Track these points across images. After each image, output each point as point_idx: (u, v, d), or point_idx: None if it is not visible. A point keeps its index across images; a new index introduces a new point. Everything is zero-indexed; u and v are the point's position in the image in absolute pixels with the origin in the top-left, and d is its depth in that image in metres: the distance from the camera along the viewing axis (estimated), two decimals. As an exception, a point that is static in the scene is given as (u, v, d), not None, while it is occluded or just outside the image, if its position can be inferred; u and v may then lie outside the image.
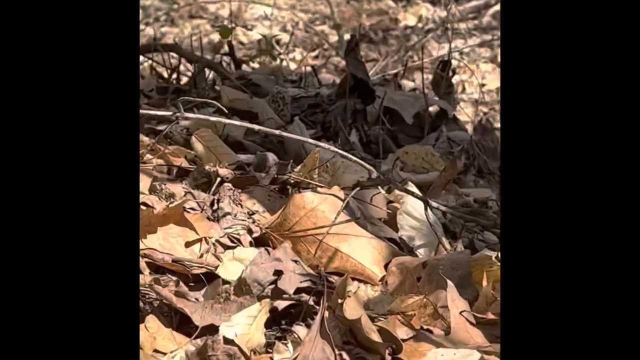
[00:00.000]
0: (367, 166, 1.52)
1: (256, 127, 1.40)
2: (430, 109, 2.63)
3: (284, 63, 3.95)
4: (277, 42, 6.37)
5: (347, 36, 6.51)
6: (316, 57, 6.53)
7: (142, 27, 7.13)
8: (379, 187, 1.66)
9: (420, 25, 7.26)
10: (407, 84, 4.75)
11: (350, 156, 1.51)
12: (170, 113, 1.38)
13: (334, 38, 6.55)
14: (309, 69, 3.19)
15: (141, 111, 1.48)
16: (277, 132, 1.45)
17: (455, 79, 2.85)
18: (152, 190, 1.54)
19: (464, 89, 5.14)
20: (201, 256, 1.41)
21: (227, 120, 1.41)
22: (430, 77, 4.86)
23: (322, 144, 1.54)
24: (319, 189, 1.61)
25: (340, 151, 1.51)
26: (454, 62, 3.22)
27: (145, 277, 1.31)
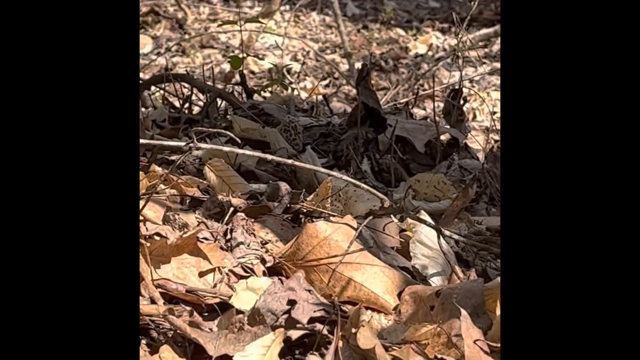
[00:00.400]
0: (380, 195, 1.53)
1: (269, 156, 1.40)
2: (442, 137, 2.63)
3: (295, 92, 3.96)
4: (288, 71, 6.41)
5: (357, 65, 6.56)
6: (327, 85, 6.56)
7: (153, 57, 7.19)
8: (392, 216, 1.66)
9: (430, 53, 7.29)
10: (419, 112, 4.76)
11: (362, 185, 1.51)
12: (183, 143, 1.38)
13: (344, 67, 6.58)
14: (320, 97, 3.20)
15: (154, 141, 1.49)
16: (289, 161, 1.45)
17: (466, 107, 2.85)
18: (166, 220, 1.54)
19: (475, 116, 5.16)
20: (215, 286, 1.41)
21: (240, 150, 1.41)
22: (442, 105, 4.88)
23: (334, 173, 1.54)
24: (331, 218, 1.61)
25: (352, 180, 1.51)
26: (465, 90, 3.23)
27: (160, 307, 1.31)
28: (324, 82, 6.62)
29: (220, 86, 3.35)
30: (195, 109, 3.01)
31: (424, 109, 5.00)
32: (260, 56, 7.20)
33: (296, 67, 6.88)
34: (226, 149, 1.46)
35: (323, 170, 1.55)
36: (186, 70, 3.72)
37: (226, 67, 6.94)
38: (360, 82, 2.52)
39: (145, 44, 7.68)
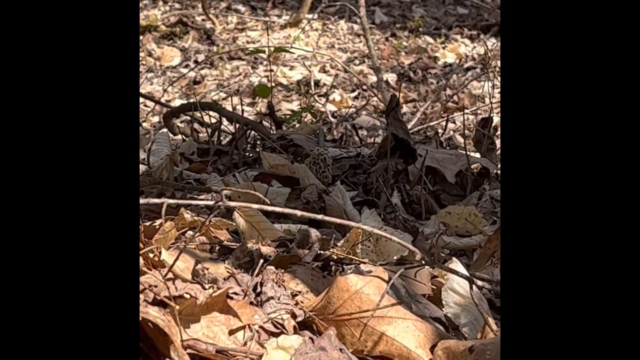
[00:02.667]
0: (411, 247, 1.51)
1: (298, 212, 1.39)
2: (473, 166, 2.61)
3: (324, 115, 3.95)
4: (316, 83, 6.40)
5: (386, 76, 6.55)
6: (356, 97, 6.55)
7: (183, 70, 7.22)
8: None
9: (458, 61, 7.26)
10: (450, 126, 4.73)
11: (392, 237, 1.49)
12: (212, 202, 1.37)
13: (373, 78, 6.56)
14: (350, 110, 3.18)
15: (182, 201, 1.48)
16: (319, 216, 1.44)
17: (496, 136, 2.83)
18: (195, 275, 1.53)
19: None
20: (245, 344, 1.40)
21: (270, 208, 1.40)
22: (471, 117, 4.84)
23: (363, 226, 1.53)
24: (362, 266, 1.60)
25: (381, 233, 1.49)
26: (496, 107, 3.21)
27: (190, 370, 1.30)
28: (353, 94, 6.61)
29: (248, 110, 3.34)
30: (223, 136, 3.01)
31: (454, 122, 4.97)
32: (290, 67, 7.22)
33: (325, 78, 6.89)
34: (255, 206, 1.44)
35: (353, 224, 1.53)
36: (213, 100, 3.70)
37: (255, 80, 6.95)
38: (390, 113, 2.51)
39: (174, 56, 7.71)
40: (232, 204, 1.42)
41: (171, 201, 1.38)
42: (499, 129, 2.90)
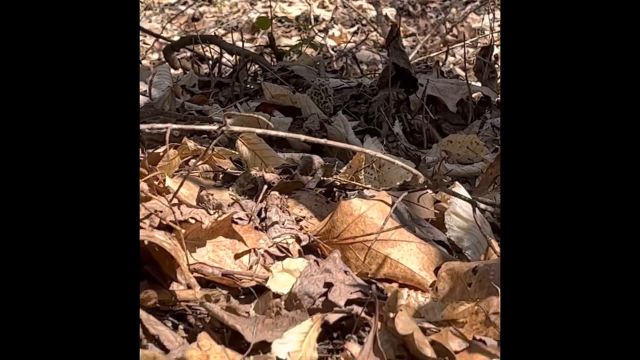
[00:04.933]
0: (414, 171, 1.51)
1: (301, 136, 1.38)
2: (474, 95, 2.60)
3: (325, 48, 3.93)
4: (316, 19, 6.36)
5: (385, 11, 6.49)
6: (355, 32, 6.50)
7: (181, 7, 7.16)
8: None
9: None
10: (449, 58, 4.69)
11: (395, 161, 1.49)
12: (215, 127, 1.37)
13: (372, 12, 6.51)
14: (348, 45, 3.14)
15: (185, 126, 1.47)
16: (322, 141, 1.43)
17: (497, 65, 2.81)
18: (200, 200, 1.53)
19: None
20: (251, 268, 1.41)
21: (273, 132, 1.40)
22: (471, 50, 4.80)
23: (366, 150, 1.52)
24: (365, 192, 1.60)
25: (384, 156, 1.49)
26: (497, 37, 3.19)
27: (196, 293, 1.31)
28: (352, 29, 6.56)
29: (249, 45, 3.32)
30: (224, 68, 2.99)
31: (454, 55, 4.94)
32: (288, 3, 7.16)
33: (324, 14, 6.83)
34: (259, 130, 1.44)
35: (355, 147, 1.53)
36: (214, 33, 3.68)
37: (254, 16, 6.89)
38: (391, 43, 2.49)
39: (172, -7, 7.64)
40: (236, 128, 1.41)
41: (175, 126, 1.38)
42: (500, 58, 2.89)
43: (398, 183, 1.74)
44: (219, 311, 1.26)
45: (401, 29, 6.02)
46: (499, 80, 2.72)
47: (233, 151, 1.85)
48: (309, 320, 1.25)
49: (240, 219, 1.51)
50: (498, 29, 3.62)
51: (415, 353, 1.21)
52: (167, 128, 1.36)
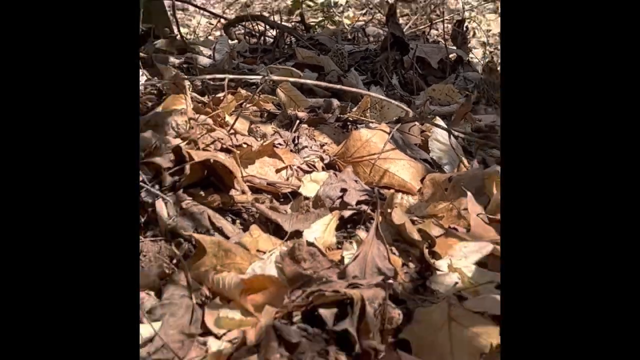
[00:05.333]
0: (405, 107, 1.50)
1: (322, 83, 1.37)
2: (450, 56, 2.56)
3: (341, 25, 3.87)
4: (335, 4, 6.26)
5: (387, -2, 6.38)
6: (364, 14, 6.41)
7: (236, -4, 7.04)
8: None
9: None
10: (433, 32, 4.64)
11: (392, 101, 1.48)
12: (260, 77, 1.36)
13: (377, -1, 6.41)
14: (359, 23, 3.11)
15: (239, 76, 1.46)
16: (337, 86, 1.42)
17: (468, 33, 2.77)
18: (250, 131, 1.53)
19: (474, 34, 5.01)
20: (287, 179, 1.41)
21: (302, 81, 1.38)
22: (450, 27, 4.74)
23: (371, 93, 1.51)
24: (370, 124, 1.59)
25: (384, 98, 1.47)
26: (467, 15, 3.13)
27: (248, 197, 1.31)
28: (362, 12, 6.46)
29: (286, 23, 3.28)
30: (268, 41, 2.96)
31: (437, 29, 4.88)
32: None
33: (341, 0, 6.73)
34: (292, 79, 1.42)
35: (363, 92, 1.51)
36: (260, 12, 3.63)
37: (290, 2, 6.79)
38: (389, 18, 2.45)
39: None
40: (275, 77, 1.40)
41: (232, 76, 1.37)
42: (469, 28, 2.84)
43: (394, 118, 1.73)
44: (265, 209, 1.26)
45: (397, 10, 5.95)
46: (469, 43, 2.68)
47: (274, 97, 1.84)
48: (329, 215, 1.25)
49: (280, 144, 1.51)
50: (466, 1, 3.55)
51: (407, 237, 1.21)
52: (225, 79, 1.35)
